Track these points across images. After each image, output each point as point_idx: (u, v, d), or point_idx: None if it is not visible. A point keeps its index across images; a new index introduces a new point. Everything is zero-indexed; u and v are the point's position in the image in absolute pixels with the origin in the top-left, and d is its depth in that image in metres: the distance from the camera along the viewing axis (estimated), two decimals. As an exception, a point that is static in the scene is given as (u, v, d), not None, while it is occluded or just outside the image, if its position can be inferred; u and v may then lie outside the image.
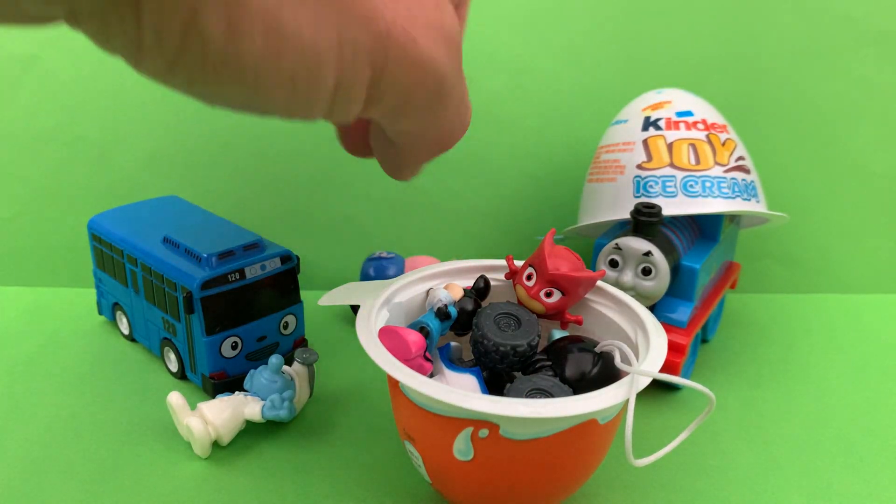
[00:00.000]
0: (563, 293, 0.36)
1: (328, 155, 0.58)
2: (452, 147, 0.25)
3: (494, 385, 0.35)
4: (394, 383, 0.32)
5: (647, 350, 0.32)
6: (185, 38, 0.15)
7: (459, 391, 0.27)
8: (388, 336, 0.32)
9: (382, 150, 0.25)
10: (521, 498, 0.31)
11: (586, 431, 0.29)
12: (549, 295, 0.36)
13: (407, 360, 0.30)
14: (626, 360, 0.31)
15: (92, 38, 0.16)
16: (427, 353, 0.33)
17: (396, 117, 0.20)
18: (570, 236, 0.55)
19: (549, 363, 0.33)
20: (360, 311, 0.34)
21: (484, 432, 0.29)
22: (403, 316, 0.37)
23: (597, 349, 0.33)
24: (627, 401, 0.29)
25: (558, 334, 0.37)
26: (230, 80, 0.16)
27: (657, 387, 0.46)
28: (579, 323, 0.37)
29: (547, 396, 0.30)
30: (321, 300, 0.38)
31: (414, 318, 0.37)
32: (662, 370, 0.43)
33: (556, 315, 0.36)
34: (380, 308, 0.35)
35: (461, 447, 0.29)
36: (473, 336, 0.34)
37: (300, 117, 0.19)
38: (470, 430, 0.29)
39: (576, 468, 0.31)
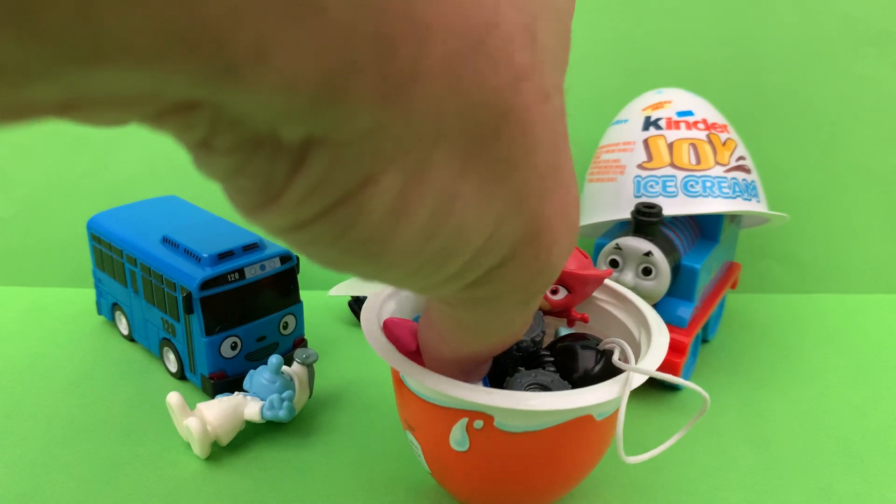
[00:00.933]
0: (568, 291, 0.36)
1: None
2: (487, 355, 0.27)
3: (501, 380, 0.35)
4: (396, 373, 0.32)
5: (649, 348, 0.32)
6: (339, 204, 0.12)
7: (453, 381, 0.28)
8: (392, 328, 0.32)
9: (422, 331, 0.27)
10: (517, 491, 0.31)
11: (582, 427, 0.29)
12: (554, 292, 0.36)
13: (411, 353, 0.30)
14: (624, 357, 0.31)
15: (202, 165, 0.13)
16: None
17: (477, 304, 0.19)
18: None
19: (553, 359, 0.33)
20: (366, 302, 0.34)
21: (479, 423, 0.29)
22: (411, 308, 0.37)
23: (599, 347, 0.33)
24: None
25: (565, 332, 0.37)
26: (362, 256, 0.14)
27: (659, 386, 0.45)
28: (585, 321, 0.37)
29: (545, 391, 0.30)
30: (331, 291, 0.39)
31: (421, 311, 0.37)
32: (663, 370, 0.43)
33: (562, 312, 0.37)
34: (386, 299, 0.35)
35: (457, 437, 0.30)
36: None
37: (394, 283, 0.17)
38: (465, 420, 0.29)
39: (572, 464, 0.31)
